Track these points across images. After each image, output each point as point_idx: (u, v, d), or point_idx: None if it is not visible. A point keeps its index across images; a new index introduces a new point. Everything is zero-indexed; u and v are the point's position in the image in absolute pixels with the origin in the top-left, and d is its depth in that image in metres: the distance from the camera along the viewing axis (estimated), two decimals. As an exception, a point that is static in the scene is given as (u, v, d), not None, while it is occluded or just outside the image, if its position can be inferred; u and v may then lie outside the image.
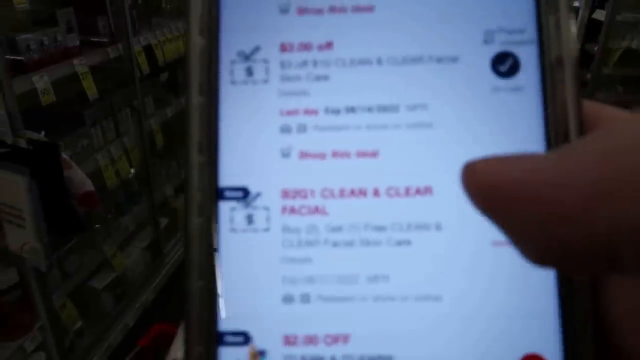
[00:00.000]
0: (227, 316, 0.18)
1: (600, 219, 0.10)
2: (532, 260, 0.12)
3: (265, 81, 0.19)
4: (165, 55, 2.01)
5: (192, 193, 0.19)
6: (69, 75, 1.53)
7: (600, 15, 2.40)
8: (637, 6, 2.33)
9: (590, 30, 2.53)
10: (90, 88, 1.60)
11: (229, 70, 0.19)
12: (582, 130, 0.18)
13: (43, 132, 1.43)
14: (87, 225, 1.54)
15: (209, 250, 0.18)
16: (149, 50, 1.95)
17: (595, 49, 2.45)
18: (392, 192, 0.19)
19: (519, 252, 0.12)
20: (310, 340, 0.18)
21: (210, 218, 0.19)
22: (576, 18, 2.58)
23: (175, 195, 2.24)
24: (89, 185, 1.42)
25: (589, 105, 0.18)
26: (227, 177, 0.19)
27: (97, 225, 1.74)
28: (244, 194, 0.19)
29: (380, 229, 0.18)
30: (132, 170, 1.91)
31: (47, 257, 1.28)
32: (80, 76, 1.56)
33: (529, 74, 0.19)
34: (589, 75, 2.49)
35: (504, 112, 0.19)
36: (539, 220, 0.11)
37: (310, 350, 0.18)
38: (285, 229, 0.19)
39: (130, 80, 1.87)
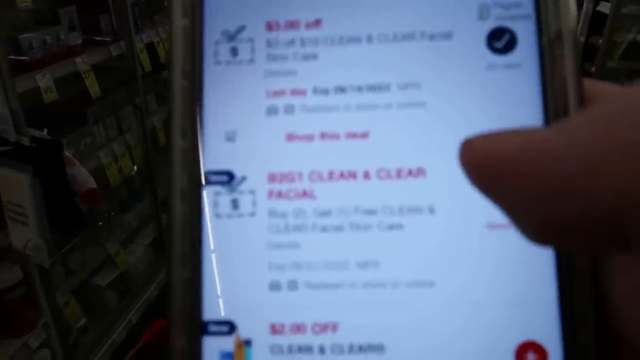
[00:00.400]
0: (211, 305, 0.18)
1: (602, 192, 0.10)
2: (531, 238, 0.12)
3: (251, 61, 0.19)
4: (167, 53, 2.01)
5: (175, 178, 0.18)
6: (72, 74, 1.53)
7: (604, 7, 2.39)
8: (642, -1, 2.30)
9: (595, 23, 2.51)
10: (92, 86, 1.60)
11: (213, 50, 0.19)
12: (583, 106, 0.17)
13: (46, 130, 1.44)
14: (89, 223, 1.54)
15: (193, 237, 0.18)
16: (151, 47, 1.95)
17: (600, 42, 2.43)
18: (383, 174, 0.18)
19: (519, 230, 0.12)
20: (298, 328, 0.18)
21: (193, 203, 0.18)
22: (580, 10, 2.56)
23: (178, 193, 2.24)
24: (92, 183, 1.43)
25: (587, 83, 0.17)
26: (212, 161, 0.18)
27: (100, 223, 1.75)
28: (229, 178, 0.18)
29: (370, 212, 0.18)
30: (135, 168, 1.92)
31: (51, 255, 1.29)
32: (83, 74, 1.56)
33: (526, 50, 0.18)
34: (593, 69, 2.47)
35: (500, 90, 0.18)
36: (539, 196, 0.11)
37: (298, 339, 0.18)
38: (272, 213, 0.18)
39: (132, 78, 1.87)
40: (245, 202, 0.18)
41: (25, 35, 1.39)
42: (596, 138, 0.10)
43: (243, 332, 0.18)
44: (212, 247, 0.18)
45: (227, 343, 0.18)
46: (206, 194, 0.18)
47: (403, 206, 0.18)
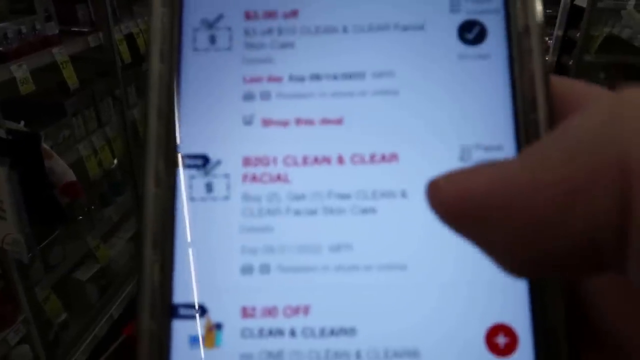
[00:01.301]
0: (182, 288, 0.18)
1: (575, 225, 0.10)
2: (509, 271, 0.12)
3: (229, 49, 0.19)
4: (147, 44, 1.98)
5: (150, 160, 0.18)
6: (49, 65, 1.50)
7: (582, 1, 2.42)
8: (618, -7, 2.35)
9: (572, 16, 2.55)
10: (70, 77, 1.57)
11: (192, 37, 0.19)
12: (549, 96, 0.18)
13: (23, 123, 1.41)
14: (69, 216, 1.52)
15: (165, 220, 0.18)
16: (130, 39, 1.92)
17: (577, 35, 2.47)
18: (357, 159, 0.18)
19: (496, 265, 0.12)
20: (269, 312, 0.18)
21: (167, 186, 0.18)
22: (559, 4, 2.59)
23: (159, 186, 2.22)
24: (71, 175, 1.40)
25: (560, 81, 0.18)
26: (187, 144, 0.18)
27: (80, 217, 1.72)
28: (204, 162, 0.18)
29: (344, 196, 0.18)
30: (115, 161, 1.89)
31: (30, 249, 1.27)
32: (60, 65, 1.53)
33: (495, 42, 0.19)
34: (571, 62, 2.51)
35: (470, 79, 0.18)
36: (513, 228, 0.11)
37: (269, 322, 0.18)
38: (246, 197, 0.18)
39: (111, 70, 1.84)
40: (219, 185, 0.18)
41: (0, 25, 1.36)
42: (562, 165, 0.10)
43: (214, 315, 0.18)
44: (184, 230, 0.18)
45: (197, 327, 0.18)
46: (180, 177, 0.18)
47: (376, 190, 0.18)
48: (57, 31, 1.57)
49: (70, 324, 1.65)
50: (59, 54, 1.53)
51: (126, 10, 1.97)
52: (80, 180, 1.44)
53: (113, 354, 0.97)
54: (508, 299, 0.17)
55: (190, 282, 0.18)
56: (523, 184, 0.11)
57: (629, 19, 2.27)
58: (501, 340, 0.17)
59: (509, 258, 0.12)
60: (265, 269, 0.18)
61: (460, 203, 0.12)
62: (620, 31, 2.37)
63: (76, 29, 1.70)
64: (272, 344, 0.18)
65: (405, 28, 0.19)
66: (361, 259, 0.18)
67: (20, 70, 1.37)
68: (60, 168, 1.39)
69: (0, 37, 1.36)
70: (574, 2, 2.53)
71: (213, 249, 0.18)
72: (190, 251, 0.18)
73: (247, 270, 0.18)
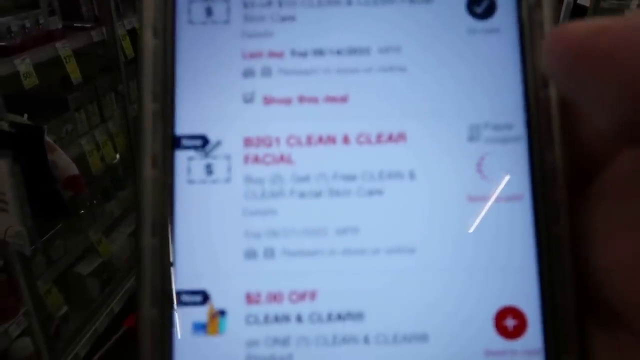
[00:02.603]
0: (184, 274, 0.17)
1: None
2: (604, 128, 0.12)
3: (227, 22, 0.18)
4: (150, 40, 1.99)
5: (146, 142, 0.17)
6: (52, 59, 1.50)
7: (585, 1, 2.42)
8: (621, -7, 2.35)
9: (575, 16, 2.54)
10: (74, 72, 1.58)
11: (187, 9, 0.18)
12: None
13: (26, 116, 1.42)
14: (72, 210, 1.52)
15: (164, 204, 0.17)
16: (133, 34, 1.92)
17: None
18: (363, 139, 0.18)
19: (594, 119, 0.12)
20: (274, 297, 0.17)
21: (165, 169, 0.17)
22: (562, 3, 2.59)
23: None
24: (74, 169, 1.41)
25: None
26: (185, 125, 0.18)
27: (82, 211, 1.73)
28: (203, 143, 0.18)
29: (350, 178, 0.18)
30: (118, 156, 1.90)
31: (32, 242, 1.27)
32: (64, 60, 1.54)
33: (506, 15, 0.18)
34: (573, 62, 2.50)
35: (480, 54, 0.18)
36: (624, 82, 0.11)
37: (274, 308, 0.17)
38: (248, 179, 0.18)
39: (114, 65, 1.84)
40: (220, 167, 0.18)
41: (4, 19, 1.37)
42: None
43: (217, 302, 0.17)
44: (184, 214, 0.17)
45: (200, 313, 0.17)
46: (179, 159, 0.18)
47: (383, 171, 0.18)
48: (60, 26, 1.57)
49: (71, 317, 1.66)
50: (63, 48, 1.53)
51: (129, 6, 1.98)
52: (82, 175, 1.45)
53: (114, 345, 0.98)
54: (517, 281, 0.17)
55: (192, 268, 0.17)
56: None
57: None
58: (510, 322, 0.17)
59: (607, 116, 0.11)
60: (269, 253, 0.17)
61: (584, 40, 0.11)
62: (623, 31, 2.37)
63: (79, 24, 1.70)
64: (278, 330, 0.17)
65: (413, 1, 0.18)
66: (368, 242, 0.17)
67: (23, 64, 1.37)
68: (63, 162, 1.39)
69: (4, 31, 1.36)
70: (577, 2, 2.53)
71: (215, 233, 0.17)
72: (191, 236, 0.17)
73: (250, 255, 0.17)
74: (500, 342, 0.17)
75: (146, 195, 0.17)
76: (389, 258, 0.17)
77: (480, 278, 0.17)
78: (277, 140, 0.18)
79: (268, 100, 0.18)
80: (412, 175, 0.18)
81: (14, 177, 1.20)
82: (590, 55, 0.11)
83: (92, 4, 1.74)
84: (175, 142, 0.18)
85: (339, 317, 0.17)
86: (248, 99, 0.18)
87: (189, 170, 0.18)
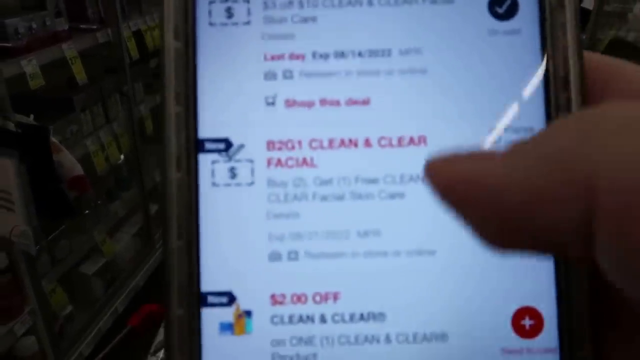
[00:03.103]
0: (210, 276, 0.17)
1: (543, 220, 0.11)
2: (490, 246, 0.13)
3: (247, 23, 0.18)
4: (155, 41, 2.00)
5: (170, 146, 0.17)
6: (58, 60, 1.52)
7: (588, 4, 2.42)
8: (624, -4, 2.36)
9: (580, 19, 2.54)
10: (79, 73, 1.59)
11: (207, 10, 0.18)
12: (583, 74, 0.17)
13: (32, 116, 1.43)
14: (76, 210, 1.53)
15: (189, 207, 0.17)
16: (138, 35, 1.93)
17: (584, 38, 2.47)
18: (385, 142, 0.18)
19: (478, 239, 0.13)
20: (299, 299, 0.18)
21: (189, 172, 0.17)
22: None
23: (165, 182, 2.24)
24: (79, 170, 1.42)
25: (591, 58, 0.17)
26: (208, 128, 0.18)
27: (87, 211, 1.74)
28: (226, 146, 0.18)
29: (372, 181, 0.18)
30: (122, 157, 1.91)
31: (37, 241, 1.28)
32: (70, 61, 1.55)
33: (527, 16, 0.18)
34: (577, 65, 2.50)
35: (501, 56, 0.18)
36: (484, 216, 0.12)
37: (299, 309, 0.18)
38: (271, 182, 0.18)
39: (119, 66, 1.86)
40: (243, 170, 0.18)
41: (11, 20, 1.38)
42: (533, 171, 0.11)
43: (243, 303, 0.18)
44: (209, 217, 0.18)
45: (226, 314, 0.17)
46: (202, 162, 0.18)
47: (405, 175, 0.18)
48: (66, 27, 1.58)
49: (76, 316, 1.67)
50: (69, 49, 1.55)
51: (135, 8, 1.99)
52: (87, 175, 1.46)
53: (118, 345, 0.98)
54: (534, 282, 0.17)
55: (218, 270, 0.18)
56: (499, 182, 0.12)
57: (636, 22, 2.27)
58: (527, 322, 0.17)
59: (486, 237, 0.13)
60: (293, 255, 0.18)
61: (445, 187, 0.13)
62: (627, 34, 2.37)
63: (85, 26, 1.71)
64: (303, 329, 0.17)
65: (434, 1, 0.18)
66: (389, 244, 0.18)
67: (30, 65, 1.38)
68: (69, 162, 1.40)
69: (11, 32, 1.37)
70: (581, 5, 2.53)
71: (240, 235, 0.18)
72: (216, 239, 0.18)
73: (275, 257, 0.18)
74: (517, 341, 0.17)
75: (171, 197, 0.17)
76: (410, 260, 0.18)
77: (499, 278, 0.17)
78: (300, 143, 0.18)
79: (290, 103, 0.18)
80: None
81: (19, 177, 1.21)
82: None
83: (98, 5, 1.75)
84: (198, 146, 0.18)
85: (362, 317, 0.18)
86: (270, 102, 0.18)
87: (212, 173, 0.18)
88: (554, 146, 0.11)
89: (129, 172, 2.01)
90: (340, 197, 0.18)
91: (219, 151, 0.18)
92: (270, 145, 0.18)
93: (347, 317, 0.18)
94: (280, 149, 0.18)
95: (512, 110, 0.18)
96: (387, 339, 0.17)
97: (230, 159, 0.18)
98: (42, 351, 1.49)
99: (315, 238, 0.18)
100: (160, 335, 0.93)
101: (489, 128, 0.18)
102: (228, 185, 0.18)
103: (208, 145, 0.18)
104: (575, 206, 0.10)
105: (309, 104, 0.18)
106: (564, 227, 0.11)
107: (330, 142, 0.18)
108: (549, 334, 0.17)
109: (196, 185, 0.18)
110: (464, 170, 0.12)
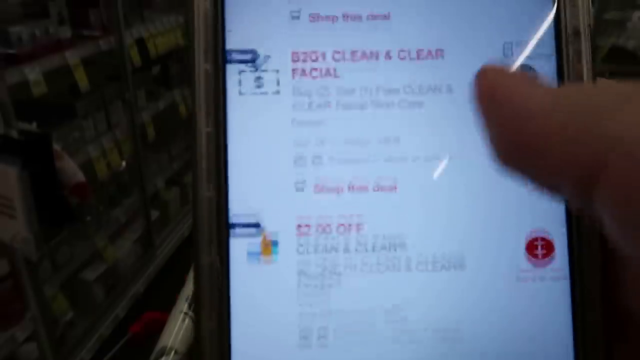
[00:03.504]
0: (238, 206, 0.18)
1: (552, 157, 0.12)
2: (499, 160, 0.13)
3: None
4: (157, 48, 2.01)
5: (198, 57, 0.18)
6: (61, 67, 1.53)
7: (588, 12, 2.44)
8: (623, 5, 2.37)
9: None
10: (82, 80, 1.60)
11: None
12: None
13: (35, 124, 1.44)
14: (78, 216, 1.54)
15: (216, 116, 0.18)
16: (141, 43, 1.95)
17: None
18: (404, 54, 0.19)
19: (489, 148, 0.14)
20: (323, 228, 0.19)
21: (216, 82, 0.18)
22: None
23: (166, 188, 2.24)
24: (81, 177, 1.42)
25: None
26: (235, 40, 0.19)
27: (88, 217, 1.74)
28: (253, 57, 0.19)
29: (392, 91, 0.19)
30: (124, 163, 1.91)
31: (38, 248, 1.29)
32: (72, 68, 1.56)
33: None
34: (577, 72, 2.51)
35: None
36: (512, 132, 0.13)
37: (323, 238, 0.18)
38: (296, 91, 0.19)
39: (122, 73, 1.87)
40: (269, 80, 0.19)
41: (15, 28, 1.39)
42: (564, 129, 0.12)
43: (270, 232, 0.19)
44: (237, 125, 0.18)
45: (254, 244, 0.18)
46: (229, 74, 0.19)
47: (423, 85, 0.19)
48: (69, 35, 1.60)
49: (77, 323, 1.67)
50: (71, 57, 1.56)
51: (137, 15, 2.00)
52: (88, 182, 1.46)
53: (119, 351, 0.99)
54: (546, 209, 0.19)
55: (245, 197, 0.18)
56: (539, 113, 0.12)
57: (635, 31, 2.28)
58: (540, 248, 0.18)
59: (498, 148, 0.13)
60: (317, 160, 0.19)
61: (489, 95, 0.13)
62: (626, 42, 2.38)
63: (88, 33, 1.72)
64: (327, 258, 0.19)
65: None
66: (408, 150, 0.19)
67: (33, 73, 1.39)
68: (71, 169, 1.40)
69: (14, 39, 1.38)
70: (580, 13, 2.54)
71: (266, 140, 0.19)
72: (243, 147, 0.18)
73: (300, 163, 0.19)
74: (531, 268, 0.18)
75: (199, 111, 0.18)
76: (427, 165, 0.19)
77: (514, 203, 0.19)
78: (323, 55, 0.19)
79: (314, 17, 0.19)
80: (449, 89, 0.19)
81: (22, 184, 1.21)
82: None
83: (101, 13, 1.76)
84: (225, 56, 0.19)
85: (383, 246, 0.19)
86: (295, 16, 0.19)
87: (240, 83, 0.19)
88: (595, 105, 0.12)
89: (131, 179, 2.02)
90: (363, 106, 0.19)
91: (245, 62, 0.19)
92: (295, 56, 0.19)
93: (369, 246, 0.19)
94: (304, 60, 0.19)
95: (524, 27, 0.19)
96: (408, 265, 0.18)
97: (256, 69, 0.19)
98: (43, 357, 1.49)
99: (338, 144, 0.19)
100: (162, 341, 0.93)
101: (502, 42, 0.19)
102: (254, 94, 0.19)
103: (235, 56, 0.19)
104: (587, 159, 0.11)
105: (333, 18, 0.19)
106: (568, 172, 0.12)
107: (353, 53, 0.19)
108: (561, 260, 0.18)
109: (224, 95, 0.18)
110: (511, 85, 0.13)
